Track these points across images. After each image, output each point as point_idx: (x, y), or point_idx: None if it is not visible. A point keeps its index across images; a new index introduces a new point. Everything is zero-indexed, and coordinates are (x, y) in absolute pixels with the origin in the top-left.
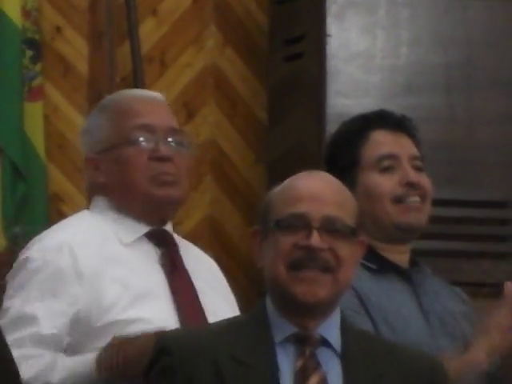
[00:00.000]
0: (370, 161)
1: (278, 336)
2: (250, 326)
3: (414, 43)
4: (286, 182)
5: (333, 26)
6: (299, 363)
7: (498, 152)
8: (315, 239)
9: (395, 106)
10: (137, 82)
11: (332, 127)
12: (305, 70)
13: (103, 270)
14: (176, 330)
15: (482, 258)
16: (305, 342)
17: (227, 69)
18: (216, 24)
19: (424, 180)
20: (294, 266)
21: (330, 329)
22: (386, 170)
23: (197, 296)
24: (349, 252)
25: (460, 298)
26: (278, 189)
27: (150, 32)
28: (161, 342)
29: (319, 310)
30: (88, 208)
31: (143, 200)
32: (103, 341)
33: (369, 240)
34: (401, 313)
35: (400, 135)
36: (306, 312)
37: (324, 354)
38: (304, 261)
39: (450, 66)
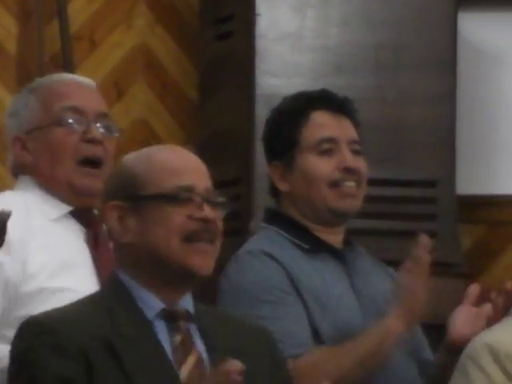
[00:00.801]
0: (310, 142)
1: (149, 312)
2: (118, 302)
3: (343, 23)
4: (150, 155)
5: (262, 5)
6: (177, 338)
7: (427, 132)
8: (208, 211)
9: (325, 87)
10: (66, 61)
11: (261, 107)
12: (234, 50)
13: (29, 239)
14: (46, 311)
15: (412, 236)
16: (175, 317)
17: (158, 48)
18: (146, 3)
19: (361, 165)
20: (189, 239)
21: (189, 303)
22: (324, 152)
23: None
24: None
25: (391, 276)
26: (140, 162)
27: (79, 11)
28: (36, 324)
29: (199, 282)
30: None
31: (65, 187)
32: (29, 308)
33: (303, 220)
34: (332, 292)
35: (341, 118)
36: (188, 285)
37: (191, 330)
38: (199, 233)
39: (380, 47)
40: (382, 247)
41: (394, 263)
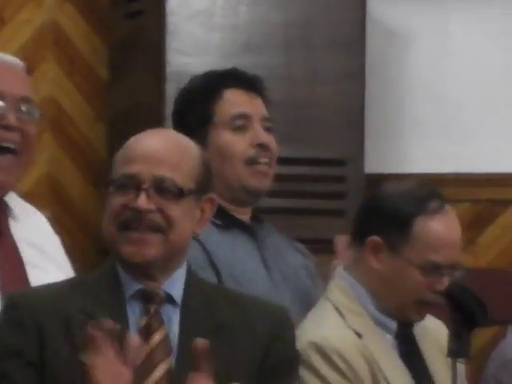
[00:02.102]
0: (224, 119)
1: (127, 293)
2: (100, 283)
3: (253, 2)
4: (128, 141)
5: None
6: (143, 321)
7: (336, 111)
8: (142, 200)
9: (235, 65)
10: None
11: (172, 85)
12: (145, 28)
13: None
14: (33, 287)
15: (323, 214)
16: (150, 300)
17: (67, 25)
18: None
19: (272, 142)
20: (123, 227)
21: (175, 285)
22: (238, 129)
23: (22, 266)
24: (181, 212)
25: (301, 253)
26: (121, 148)
27: None
28: (8, 299)
29: (152, 269)
30: None
31: None
32: None
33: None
34: (246, 267)
35: (252, 95)
36: (139, 271)
37: (168, 311)
38: (131, 222)
39: (289, 25)
40: (291, 225)
41: (304, 241)
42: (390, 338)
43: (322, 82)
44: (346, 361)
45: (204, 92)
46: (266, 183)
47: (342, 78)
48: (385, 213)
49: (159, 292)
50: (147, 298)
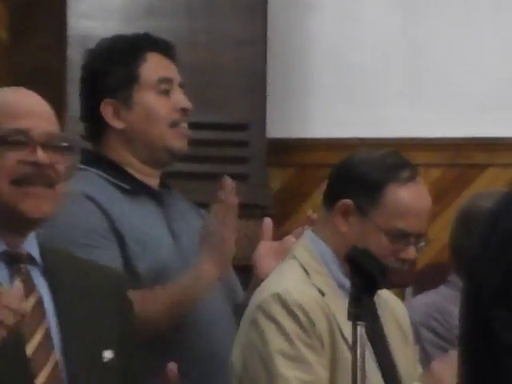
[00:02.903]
0: (149, 81)
1: None
2: None
3: None
4: (4, 97)
5: None
6: (19, 283)
7: (238, 75)
8: (41, 155)
9: (137, 29)
10: None
11: (74, 49)
12: None
13: None
14: None
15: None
16: (17, 260)
17: None
18: None
19: (191, 107)
20: (20, 182)
21: (33, 245)
22: (163, 92)
23: None
24: (65, 167)
25: (204, 218)
26: None
27: None
28: None
29: (39, 225)
30: None
31: None
32: None
33: (124, 162)
34: (152, 233)
35: (170, 60)
36: (25, 228)
37: (32, 272)
38: (30, 177)
39: None
40: (193, 190)
41: (206, 206)
42: None
43: (225, 46)
44: (306, 314)
45: (127, 54)
46: (186, 145)
47: (244, 43)
48: (357, 177)
49: (23, 252)
50: (13, 259)
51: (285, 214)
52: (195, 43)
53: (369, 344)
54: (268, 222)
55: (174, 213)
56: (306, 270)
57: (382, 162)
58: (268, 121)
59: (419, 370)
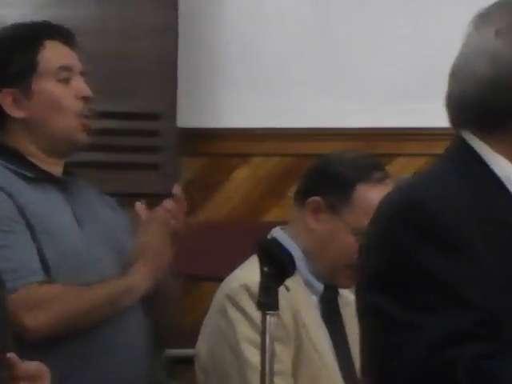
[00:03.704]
0: (49, 69)
1: None
2: None
3: None
4: None
5: None
6: None
7: (149, 65)
8: None
9: (48, 17)
10: None
11: None
12: None
13: None
14: None
15: (136, 169)
16: None
17: None
18: None
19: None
20: None
21: None
22: (63, 81)
23: None
24: None
25: (113, 208)
26: None
27: None
28: None
29: None
30: None
31: None
32: None
33: (26, 151)
34: (58, 221)
35: (69, 48)
36: None
37: None
38: None
39: None
40: (104, 180)
41: (117, 195)
42: (315, 300)
43: (135, 35)
44: None
45: (24, 42)
46: (89, 136)
47: (155, 32)
48: (329, 175)
49: None
50: None
51: (196, 204)
52: (106, 31)
53: (332, 343)
54: (138, 206)
55: (79, 201)
56: None
57: (355, 162)
58: (179, 110)
59: None
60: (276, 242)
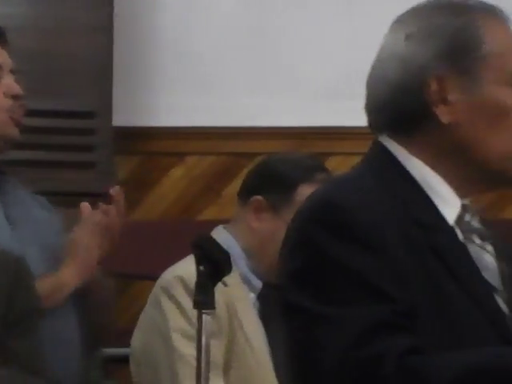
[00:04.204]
0: None
1: None
2: None
3: None
4: None
5: None
6: None
7: (85, 63)
8: None
9: None
10: None
11: None
12: None
13: None
14: None
15: (71, 167)
16: None
17: None
18: None
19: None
20: None
21: None
22: None
23: None
24: None
25: (46, 207)
26: None
27: None
28: None
29: None
30: None
31: None
32: None
33: None
34: None
35: (0, 46)
36: None
37: None
38: None
39: None
40: (39, 178)
41: (52, 194)
42: (252, 297)
43: (71, 33)
44: None
45: None
46: (18, 133)
47: (91, 31)
48: (272, 175)
49: None
50: None
51: (131, 203)
52: (41, 29)
53: (267, 341)
54: (84, 206)
55: (11, 200)
56: None
57: (298, 163)
58: (114, 109)
59: None
60: (212, 241)
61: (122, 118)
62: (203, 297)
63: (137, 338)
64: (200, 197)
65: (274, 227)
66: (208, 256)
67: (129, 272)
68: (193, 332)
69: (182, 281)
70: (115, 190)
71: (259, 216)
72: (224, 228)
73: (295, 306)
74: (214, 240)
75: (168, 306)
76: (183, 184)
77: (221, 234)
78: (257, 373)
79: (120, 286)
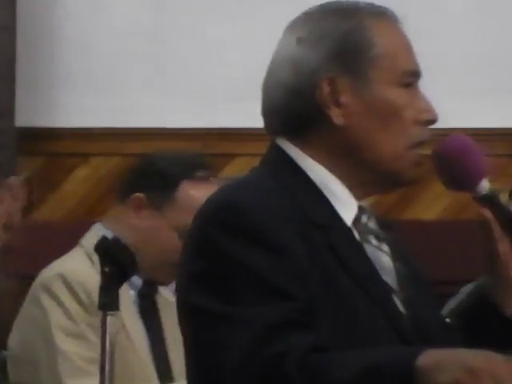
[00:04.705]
0: None
1: None
2: None
3: None
4: None
5: None
6: None
7: None
8: None
9: None
10: None
11: None
12: None
13: None
14: None
15: None
16: None
17: None
18: None
19: None
20: None
21: None
22: None
23: None
24: None
25: None
26: None
27: None
28: None
29: None
30: None
31: None
32: None
33: None
34: None
35: None
36: None
37: None
38: None
39: None
40: None
41: None
42: (132, 294)
43: None
44: (89, 295)
45: None
46: None
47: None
48: (153, 172)
49: None
50: None
51: (34, 203)
52: None
53: (148, 338)
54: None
55: None
56: (91, 259)
57: (180, 160)
58: (17, 109)
59: None
60: (117, 243)
61: (25, 118)
62: (107, 299)
63: (14, 338)
64: (105, 198)
65: (154, 224)
66: (112, 258)
67: (29, 273)
68: (75, 329)
69: (63, 278)
70: (15, 179)
71: (139, 213)
72: (102, 224)
73: (198, 307)
74: (119, 242)
75: (48, 303)
76: (88, 185)
77: (99, 231)
78: (137, 366)
79: (20, 287)
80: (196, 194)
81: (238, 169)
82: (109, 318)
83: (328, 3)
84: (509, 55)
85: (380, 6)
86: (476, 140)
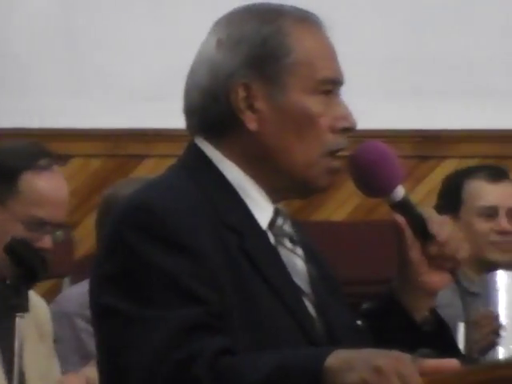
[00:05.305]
0: None
1: None
2: None
3: None
4: None
5: None
6: None
7: None
8: None
9: None
10: None
11: None
12: None
13: None
14: None
15: None
16: None
17: None
18: None
19: None
20: None
21: None
22: None
23: None
24: None
25: None
26: None
27: None
28: None
29: None
30: None
31: None
32: None
33: None
34: None
35: None
36: None
37: None
38: None
39: None
40: None
41: None
42: None
43: None
44: None
45: None
46: None
47: None
48: None
49: None
50: None
51: None
52: None
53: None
54: None
55: None
56: None
57: (19, 151)
58: None
59: (55, 364)
60: (26, 244)
61: None
62: (17, 300)
63: None
64: None
65: (1, 219)
66: (21, 259)
67: None
68: None
69: None
70: None
71: None
72: None
73: (109, 308)
74: (29, 243)
75: None
76: None
77: None
78: None
79: None
80: (39, 183)
81: (147, 170)
82: (17, 320)
83: (254, 4)
84: (412, 58)
85: (304, 11)
86: (384, 141)
